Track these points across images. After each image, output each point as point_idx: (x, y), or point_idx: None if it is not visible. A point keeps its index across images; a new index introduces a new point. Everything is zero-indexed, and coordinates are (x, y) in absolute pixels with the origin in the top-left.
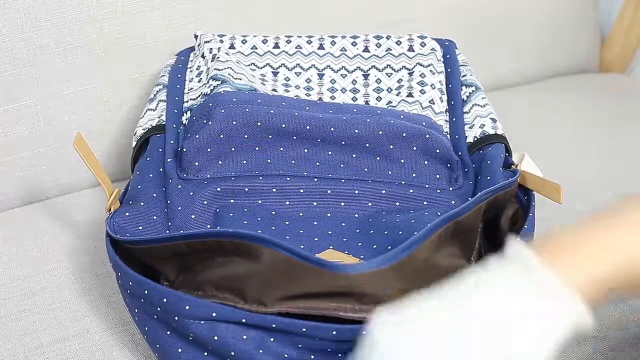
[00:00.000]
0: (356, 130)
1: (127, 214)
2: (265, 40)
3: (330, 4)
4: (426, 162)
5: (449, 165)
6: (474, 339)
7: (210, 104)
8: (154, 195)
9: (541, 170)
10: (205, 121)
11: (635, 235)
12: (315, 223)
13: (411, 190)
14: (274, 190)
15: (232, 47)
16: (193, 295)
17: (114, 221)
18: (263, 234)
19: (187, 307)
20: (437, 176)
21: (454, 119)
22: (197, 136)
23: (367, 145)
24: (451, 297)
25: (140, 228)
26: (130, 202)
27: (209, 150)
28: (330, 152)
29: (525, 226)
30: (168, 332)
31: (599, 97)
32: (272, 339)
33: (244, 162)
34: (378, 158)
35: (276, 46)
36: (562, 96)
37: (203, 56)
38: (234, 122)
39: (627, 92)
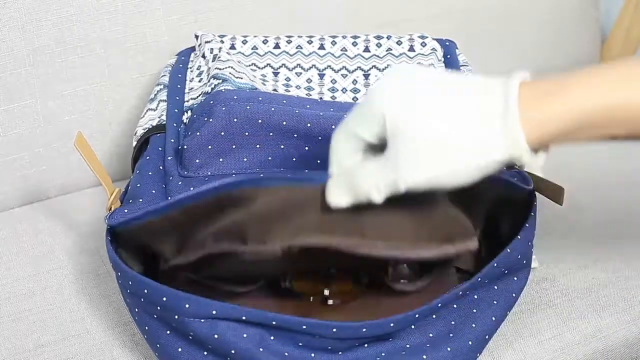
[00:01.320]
0: None
1: (125, 210)
2: (266, 40)
3: (330, 4)
4: None
5: None
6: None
7: (211, 102)
8: (153, 191)
9: (541, 170)
10: (206, 119)
11: (622, 81)
12: None
13: None
14: None
15: (232, 47)
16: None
17: (113, 218)
18: (261, 173)
19: (187, 306)
20: None
21: None
22: (198, 133)
23: None
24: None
25: None
26: (130, 201)
27: (209, 147)
28: None
29: (527, 224)
30: (168, 332)
31: None
32: (272, 337)
33: (245, 159)
34: None
35: (277, 46)
36: None
37: (204, 56)
38: (235, 120)
39: None
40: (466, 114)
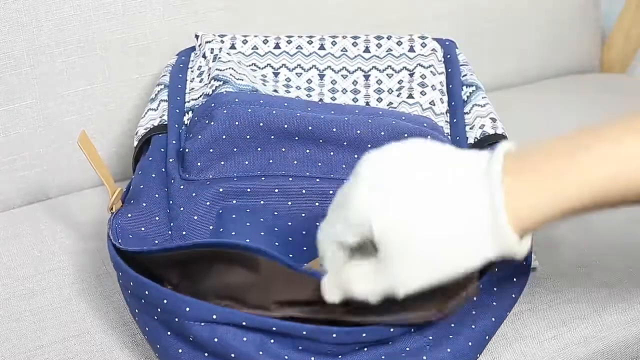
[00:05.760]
0: (358, 131)
1: (129, 215)
2: (266, 40)
3: (330, 4)
4: None
5: None
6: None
7: (212, 104)
8: (156, 195)
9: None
10: (207, 122)
11: (614, 154)
12: (317, 223)
13: None
14: (276, 190)
15: (232, 47)
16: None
17: (116, 223)
18: (260, 246)
19: (187, 309)
20: None
21: (454, 120)
22: (200, 137)
23: (369, 145)
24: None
25: (143, 229)
26: (132, 202)
27: (211, 150)
28: (332, 153)
29: None
30: (168, 333)
31: (600, 97)
32: (272, 341)
33: (246, 162)
34: None
35: (277, 46)
36: (562, 96)
37: (204, 56)
38: (237, 123)
39: (627, 92)
40: (455, 218)
